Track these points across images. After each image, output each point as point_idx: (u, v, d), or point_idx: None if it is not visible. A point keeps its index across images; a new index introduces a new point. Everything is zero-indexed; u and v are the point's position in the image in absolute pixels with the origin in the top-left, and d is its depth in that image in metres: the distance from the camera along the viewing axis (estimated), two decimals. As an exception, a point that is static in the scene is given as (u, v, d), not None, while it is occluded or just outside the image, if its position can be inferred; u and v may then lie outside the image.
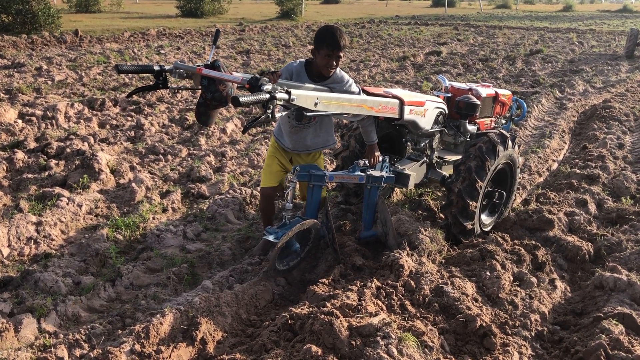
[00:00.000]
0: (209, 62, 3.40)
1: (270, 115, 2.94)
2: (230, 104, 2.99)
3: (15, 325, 3.19)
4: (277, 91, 2.94)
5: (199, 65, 3.39)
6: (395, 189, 5.54)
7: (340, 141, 5.08)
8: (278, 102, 2.97)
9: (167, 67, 3.51)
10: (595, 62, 16.58)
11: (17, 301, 3.50)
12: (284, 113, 3.70)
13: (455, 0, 65.94)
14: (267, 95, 2.88)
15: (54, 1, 28.84)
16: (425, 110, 4.34)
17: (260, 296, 3.65)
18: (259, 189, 5.12)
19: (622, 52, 18.87)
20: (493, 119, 5.43)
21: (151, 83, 3.57)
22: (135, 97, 9.31)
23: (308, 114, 3.38)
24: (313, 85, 3.75)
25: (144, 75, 11.28)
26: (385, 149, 5.05)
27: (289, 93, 3.03)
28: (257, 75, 2.98)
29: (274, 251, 3.58)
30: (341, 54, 3.74)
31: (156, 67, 3.49)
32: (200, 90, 3.46)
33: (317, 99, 3.29)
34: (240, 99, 2.72)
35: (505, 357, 2.98)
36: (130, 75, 11.60)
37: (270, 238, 3.63)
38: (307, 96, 3.24)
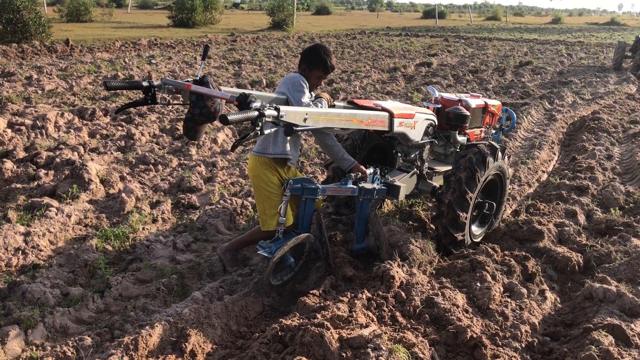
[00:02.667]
0: (197, 78, 3.41)
1: (258, 132, 2.94)
2: (218, 121, 2.99)
3: (2, 337, 3.15)
4: (265, 108, 2.94)
5: (187, 81, 3.39)
6: (386, 200, 5.54)
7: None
8: (267, 119, 2.97)
9: (155, 83, 3.51)
10: (584, 74, 16.75)
11: (4, 313, 3.46)
12: (272, 130, 3.69)
13: (446, 12, 66.70)
14: (256, 113, 2.88)
15: (44, 10, 28.83)
16: (415, 122, 4.36)
17: (250, 307, 3.63)
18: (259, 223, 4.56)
19: (610, 65, 19.10)
20: (483, 129, 5.46)
21: (139, 99, 3.57)
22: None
23: (297, 129, 3.38)
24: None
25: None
26: (376, 160, 5.06)
27: (277, 110, 3.03)
28: (246, 92, 2.98)
29: (269, 266, 3.56)
30: None
31: (145, 83, 3.49)
32: (188, 105, 3.46)
33: (307, 114, 3.30)
34: (229, 117, 2.72)
35: (496, 368, 2.98)
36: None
37: (264, 253, 3.62)
38: (295, 112, 3.25)
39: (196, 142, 7.57)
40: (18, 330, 3.24)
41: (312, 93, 3.99)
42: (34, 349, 3.14)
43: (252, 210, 5.45)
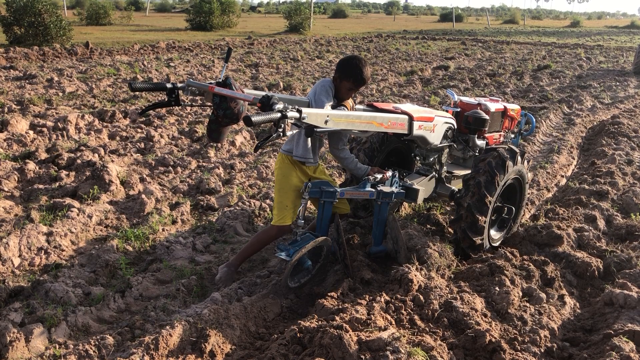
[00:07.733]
0: (220, 80, 3.44)
1: (281, 133, 2.97)
2: (242, 123, 3.02)
3: (26, 335, 3.20)
4: (288, 110, 2.97)
5: (210, 83, 3.43)
6: (404, 203, 5.54)
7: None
8: (289, 121, 3.00)
9: (179, 85, 3.56)
10: (603, 78, 16.57)
11: (28, 311, 3.52)
12: (294, 131, 3.73)
13: (463, 15, 66.47)
14: (279, 114, 2.91)
15: (65, 13, 29.24)
16: (434, 125, 4.36)
17: (269, 309, 3.65)
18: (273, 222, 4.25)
19: (630, 68, 18.87)
20: (502, 133, 5.44)
21: (163, 100, 3.62)
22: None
23: (318, 130, 3.40)
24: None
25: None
26: (394, 163, 5.07)
27: (299, 111, 3.06)
28: (268, 94, 3.01)
29: (287, 268, 3.59)
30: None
31: (169, 85, 3.54)
32: (211, 107, 3.50)
33: (328, 116, 3.32)
34: (253, 118, 2.75)
35: (515, 373, 2.97)
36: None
37: (282, 255, 3.64)
38: (317, 114, 3.27)
39: (215, 145, 7.62)
40: (42, 328, 3.29)
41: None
42: (57, 347, 3.19)
43: (270, 213, 5.48)
